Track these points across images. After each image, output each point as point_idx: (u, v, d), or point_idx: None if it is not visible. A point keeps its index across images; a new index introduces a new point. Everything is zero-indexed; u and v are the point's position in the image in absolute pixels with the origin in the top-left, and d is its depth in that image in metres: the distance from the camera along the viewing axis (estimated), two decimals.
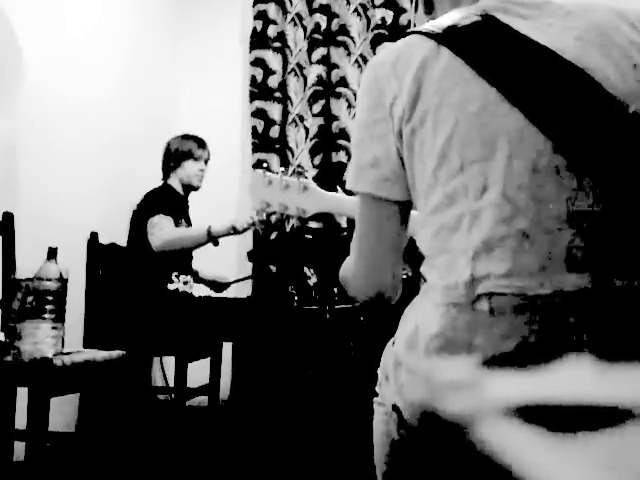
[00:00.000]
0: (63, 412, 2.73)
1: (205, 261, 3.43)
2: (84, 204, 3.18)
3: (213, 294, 3.55)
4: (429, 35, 1.00)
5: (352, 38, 4.12)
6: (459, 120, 0.95)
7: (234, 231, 3.07)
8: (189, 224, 3.35)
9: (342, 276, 1.19)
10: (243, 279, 3.67)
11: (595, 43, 0.96)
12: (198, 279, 3.48)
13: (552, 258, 0.90)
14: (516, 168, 0.92)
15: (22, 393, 2.08)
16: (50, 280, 1.96)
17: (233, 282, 3.59)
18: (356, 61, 4.11)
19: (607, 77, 0.93)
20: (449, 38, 0.99)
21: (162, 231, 3.06)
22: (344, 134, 4.00)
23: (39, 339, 1.93)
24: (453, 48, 0.98)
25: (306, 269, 3.92)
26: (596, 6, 1.01)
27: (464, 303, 0.92)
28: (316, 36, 4.10)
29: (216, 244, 3.11)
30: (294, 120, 4.14)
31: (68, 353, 2.04)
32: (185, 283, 3.27)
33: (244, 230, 3.10)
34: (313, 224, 3.89)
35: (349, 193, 1.22)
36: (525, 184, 0.92)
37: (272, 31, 4.17)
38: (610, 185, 0.91)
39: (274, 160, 4.06)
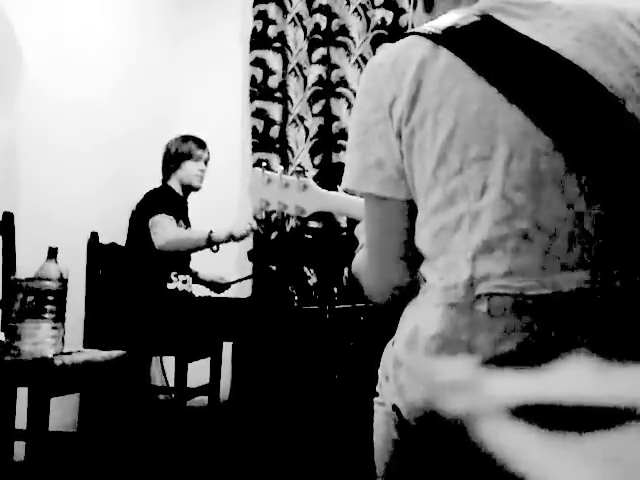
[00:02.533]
0: (63, 412, 2.73)
1: (205, 261, 3.43)
2: (84, 204, 3.18)
3: (213, 294, 3.55)
4: (428, 36, 1.00)
5: (352, 38, 4.12)
6: (459, 120, 0.95)
7: (232, 239, 3.09)
8: (188, 225, 3.35)
9: (355, 271, 1.19)
10: (242, 279, 3.67)
11: (593, 43, 0.96)
12: (197, 280, 3.48)
13: (551, 258, 0.90)
14: (516, 168, 0.92)
15: (22, 393, 2.08)
16: (50, 280, 1.96)
17: (232, 283, 3.60)
18: (356, 61, 4.11)
19: (605, 77, 0.93)
20: (448, 38, 0.99)
21: (165, 230, 3.07)
22: (344, 134, 4.00)
23: (39, 339, 1.93)
24: (452, 48, 0.98)
25: (306, 269, 3.92)
26: (595, 7, 1.01)
27: (464, 303, 0.92)
28: (316, 36, 4.10)
29: (215, 250, 3.11)
30: (294, 120, 4.15)
31: (68, 353, 2.04)
32: (184, 282, 3.27)
33: (242, 238, 3.12)
34: (313, 224, 3.90)
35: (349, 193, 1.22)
36: (525, 184, 0.92)
37: (272, 31, 4.17)
38: (609, 185, 0.91)
39: (274, 160, 4.06)
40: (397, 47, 1.05)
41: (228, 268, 3.84)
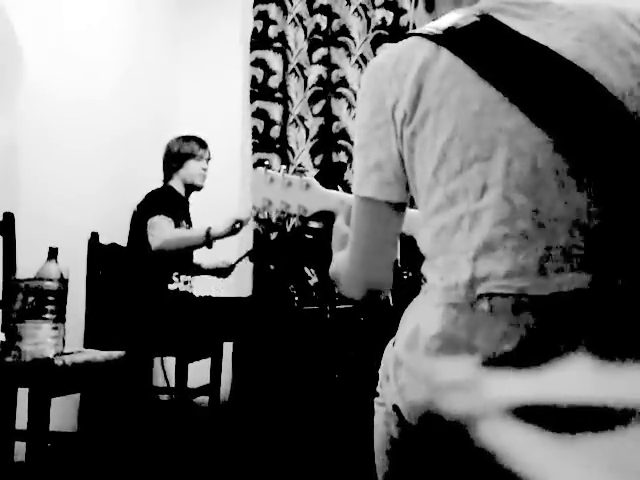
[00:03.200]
0: (64, 412, 2.73)
1: (206, 261, 3.43)
2: (84, 204, 3.18)
3: (214, 294, 3.55)
4: (429, 36, 1.00)
5: (352, 39, 4.12)
6: (459, 120, 0.95)
7: (240, 224, 3.07)
8: (190, 225, 3.35)
9: (333, 272, 1.20)
10: (243, 257, 3.63)
11: (594, 44, 0.96)
12: (202, 271, 3.46)
13: (552, 258, 0.90)
14: (516, 168, 0.92)
15: (23, 393, 2.08)
16: (51, 280, 1.96)
17: (236, 263, 3.56)
18: (356, 61, 4.11)
19: (606, 77, 0.93)
20: (449, 39, 0.99)
21: (162, 232, 3.06)
22: (344, 134, 4.00)
23: (40, 339, 1.93)
24: (453, 49, 0.98)
25: (306, 269, 3.92)
26: (597, 7, 1.01)
27: (464, 303, 0.92)
28: (316, 36, 4.10)
29: (210, 247, 3.11)
30: (294, 120, 4.15)
31: (69, 353, 2.04)
32: (186, 283, 3.27)
33: (248, 220, 3.10)
34: (313, 224, 3.90)
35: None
36: (525, 184, 0.92)
37: (273, 31, 4.17)
38: (610, 185, 0.91)
39: (275, 160, 4.06)
40: (398, 48, 1.05)
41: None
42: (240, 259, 3.59)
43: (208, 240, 3.08)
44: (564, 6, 1.01)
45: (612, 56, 0.95)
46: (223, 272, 3.56)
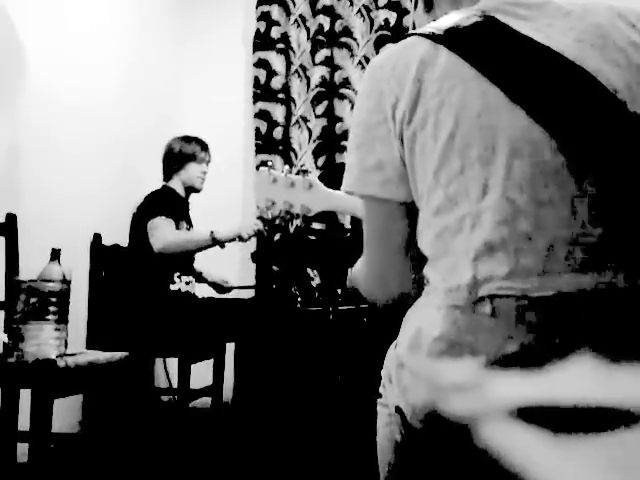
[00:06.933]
0: (66, 413, 2.73)
1: (208, 262, 3.43)
2: (87, 205, 3.18)
3: (216, 295, 3.56)
4: (429, 36, 1.00)
5: (355, 39, 4.12)
6: (460, 121, 0.95)
7: (240, 239, 3.11)
8: (190, 225, 3.35)
9: (353, 277, 1.19)
10: (245, 287, 3.69)
11: (594, 44, 0.96)
12: (201, 279, 3.48)
13: (554, 259, 0.89)
14: (517, 169, 0.92)
15: (25, 394, 2.08)
16: (53, 281, 1.96)
17: (235, 288, 3.61)
18: (359, 62, 4.11)
19: (607, 77, 0.93)
20: (450, 39, 0.98)
21: (164, 234, 3.07)
22: (347, 135, 3.99)
23: (42, 340, 1.93)
24: (454, 49, 0.97)
25: (309, 270, 3.92)
26: (596, 6, 1.01)
27: (466, 305, 0.92)
28: (319, 37, 4.10)
29: (222, 246, 3.13)
30: (297, 121, 4.15)
31: (71, 354, 2.04)
32: (187, 283, 3.27)
33: (249, 238, 3.14)
34: (316, 225, 3.90)
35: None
36: (526, 185, 0.91)
37: (275, 32, 4.17)
38: (612, 186, 0.91)
39: (277, 162, 4.06)
40: (398, 48, 1.04)
41: (231, 269, 3.85)
42: (241, 287, 3.63)
43: (215, 242, 3.09)
44: (563, 6, 1.01)
45: (612, 56, 0.95)
46: (220, 289, 3.59)
